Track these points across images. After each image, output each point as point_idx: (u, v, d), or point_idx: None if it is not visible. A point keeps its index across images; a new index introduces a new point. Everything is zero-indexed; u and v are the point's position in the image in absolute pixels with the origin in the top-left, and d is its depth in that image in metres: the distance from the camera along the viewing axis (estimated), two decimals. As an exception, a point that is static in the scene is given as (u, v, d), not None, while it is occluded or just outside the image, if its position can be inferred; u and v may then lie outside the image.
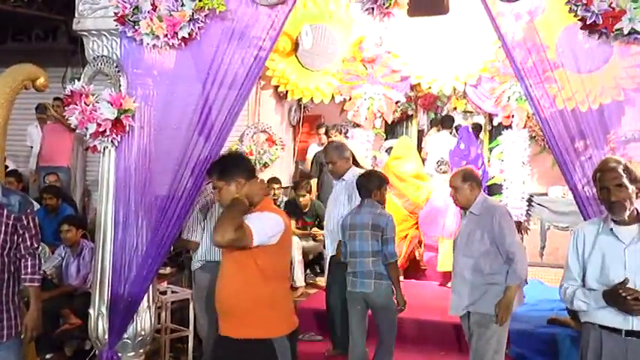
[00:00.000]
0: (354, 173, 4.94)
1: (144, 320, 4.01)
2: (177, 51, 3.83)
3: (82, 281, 5.52)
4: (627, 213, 2.87)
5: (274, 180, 6.92)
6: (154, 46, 3.79)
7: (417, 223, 7.11)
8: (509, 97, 6.95)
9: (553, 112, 3.51)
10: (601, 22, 3.18)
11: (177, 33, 3.72)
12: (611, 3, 3.14)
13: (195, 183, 3.82)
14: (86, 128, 3.82)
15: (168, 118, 3.89)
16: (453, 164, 7.25)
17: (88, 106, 3.81)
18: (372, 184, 4.55)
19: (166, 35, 3.73)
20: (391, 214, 4.61)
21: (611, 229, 2.93)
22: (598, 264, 2.93)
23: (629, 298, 2.75)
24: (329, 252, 5.07)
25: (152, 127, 3.91)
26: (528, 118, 6.94)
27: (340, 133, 6.85)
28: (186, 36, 3.72)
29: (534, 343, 5.17)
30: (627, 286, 2.78)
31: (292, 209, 6.59)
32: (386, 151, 8.46)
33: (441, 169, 7.14)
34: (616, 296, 2.80)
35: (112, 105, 3.78)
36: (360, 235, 4.44)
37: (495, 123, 7.84)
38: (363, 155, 7.38)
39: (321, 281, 6.43)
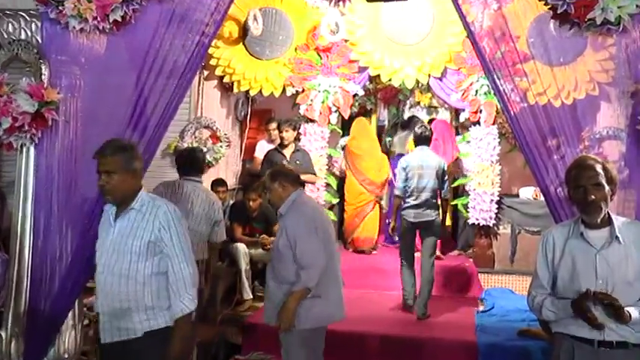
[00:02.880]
0: (150, 198, 3.25)
1: (68, 340, 3.90)
2: (109, 36, 3.75)
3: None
4: (602, 215, 2.94)
5: (219, 182, 6.83)
6: (81, 30, 3.70)
7: (375, 201, 8.11)
8: (476, 91, 7.08)
9: (523, 107, 3.58)
10: (573, 11, 3.26)
11: (108, 16, 3.64)
12: (584, -9, 3.23)
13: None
14: (-1, 123, 3.72)
15: (97, 112, 3.80)
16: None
17: (1, 97, 3.69)
18: (430, 133, 6.44)
19: (96, 18, 3.65)
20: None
21: (582, 233, 2.99)
22: (568, 270, 2.98)
23: (589, 315, 2.84)
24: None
25: (79, 121, 3.81)
26: (497, 113, 7.06)
27: (294, 130, 6.83)
28: (119, 19, 3.65)
29: (505, 356, 5.25)
30: (597, 293, 2.86)
31: (238, 213, 6.51)
32: (342, 148, 8.50)
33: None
34: (579, 308, 2.88)
35: (31, 96, 3.67)
36: (428, 175, 6.18)
37: (462, 119, 7.94)
38: (318, 154, 7.42)
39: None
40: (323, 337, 4.12)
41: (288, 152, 6.81)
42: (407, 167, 6.25)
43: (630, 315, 2.83)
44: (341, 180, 8.25)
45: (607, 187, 2.92)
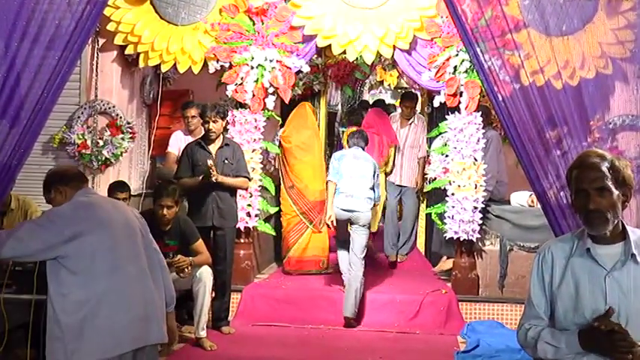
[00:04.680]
0: None
1: None
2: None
3: None
4: (610, 227, 2.95)
5: (119, 185, 6.72)
6: None
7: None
8: (455, 68, 7.15)
9: (514, 89, 3.60)
10: (578, -35, 3.31)
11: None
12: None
13: (-5, 190, 3.64)
14: None
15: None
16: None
17: None
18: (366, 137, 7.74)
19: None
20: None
21: (588, 250, 3.00)
22: (570, 297, 2.99)
23: (620, 344, 2.84)
24: None
25: None
26: (483, 97, 7.13)
27: (223, 119, 6.73)
28: (-24, -34, 3.57)
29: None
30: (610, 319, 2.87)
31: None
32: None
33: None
34: (595, 335, 2.88)
35: None
36: (363, 166, 7.37)
37: (437, 104, 8.01)
38: (250, 149, 7.37)
39: (190, 331, 6.33)
40: None
41: (213, 147, 6.71)
42: (340, 157, 7.50)
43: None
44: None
45: (616, 192, 2.91)
